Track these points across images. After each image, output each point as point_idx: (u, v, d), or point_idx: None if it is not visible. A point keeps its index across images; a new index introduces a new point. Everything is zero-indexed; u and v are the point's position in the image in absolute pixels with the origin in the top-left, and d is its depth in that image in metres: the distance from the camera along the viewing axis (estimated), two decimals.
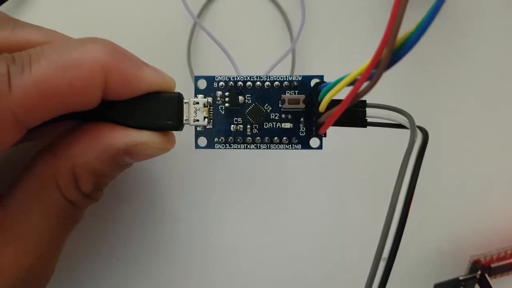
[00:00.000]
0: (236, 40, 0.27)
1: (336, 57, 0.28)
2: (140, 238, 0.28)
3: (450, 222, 0.29)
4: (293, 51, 0.27)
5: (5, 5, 0.26)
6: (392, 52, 0.16)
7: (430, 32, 0.27)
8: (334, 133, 0.22)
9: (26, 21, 0.25)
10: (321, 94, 0.19)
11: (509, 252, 0.29)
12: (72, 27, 0.26)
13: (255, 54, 0.28)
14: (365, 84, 0.16)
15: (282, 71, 0.27)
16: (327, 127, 0.19)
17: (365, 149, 0.28)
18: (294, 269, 0.29)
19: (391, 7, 0.14)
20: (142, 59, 0.21)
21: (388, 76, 0.27)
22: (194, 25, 0.27)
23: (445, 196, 0.29)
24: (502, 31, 0.29)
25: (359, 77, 0.16)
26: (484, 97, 0.29)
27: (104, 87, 0.19)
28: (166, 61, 0.27)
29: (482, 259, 0.29)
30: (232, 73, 0.26)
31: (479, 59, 0.29)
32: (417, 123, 0.27)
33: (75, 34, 0.26)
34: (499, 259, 0.29)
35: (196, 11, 0.27)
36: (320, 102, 0.19)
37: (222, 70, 0.26)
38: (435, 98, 0.28)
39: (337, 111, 0.17)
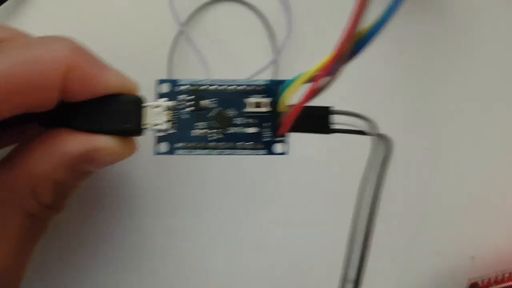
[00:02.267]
0: (220, 52, 0.27)
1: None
2: (111, 249, 0.27)
3: (448, 243, 0.29)
4: (276, 62, 0.27)
5: (5, 5, 0.26)
6: (354, 44, 0.15)
7: (430, 32, 0.29)
8: (305, 140, 0.22)
9: (26, 21, 0.26)
10: (280, 91, 0.19)
11: (506, 275, 0.28)
12: (72, 26, 0.27)
13: (239, 65, 0.28)
14: (325, 79, 0.16)
15: None
16: (287, 127, 0.18)
17: (338, 156, 0.28)
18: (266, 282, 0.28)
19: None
20: (124, 61, 0.21)
21: (387, 76, 0.28)
22: (179, 32, 0.27)
23: (443, 216, 0.29)
24: (502, 31, 0.29)
25: (318, 73, 0.16)
26: (484, 96, 0.29)
27: (63, 85, 0.18)
28: (147, 67, 0.27)
29: (480, 282, 0.28)
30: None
31: (479, 59, 0.29)
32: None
33: (75, 33, 0.26)
34: (497, 282, 0.28)
35: (182, 19, 0.27)
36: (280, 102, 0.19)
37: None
38: (435, 98, 0.29)
39: (295, 109, 0.17)
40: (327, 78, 0.16)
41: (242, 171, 0.28)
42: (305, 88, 0.17)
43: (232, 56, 0.28)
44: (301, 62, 0.28)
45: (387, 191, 0.28)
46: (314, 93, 0.16)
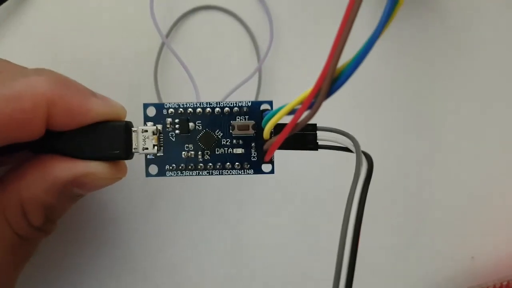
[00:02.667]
0: (203, 61, 0.27)
1: (303, 79, 0.28)
2: (104, 261, 0.27)
3: (448, 244, 0.29)
4: (259, 72, 0.27)
5: (5, 5, 0.26)
6: (332, 81, 0.15)
7: (430, 32, 0.28)
8: (290, 156, 0.22)
9: (26, 20, 0.27)
10: (263, 121, 0.19)
11: (504, 283, 0.28)
12: (72, 26, 0.27)
13: (222, 75, 0.28)
14: (306, 113, 0.16)
15: (249, 92, 0.27)
16: (271, 155, 0.19)
17: (326, 171, 0.28)
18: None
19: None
20: (109, 81, 0.20)
21: (387, 76, 0.28)
22: (162, 45, 0.27)
23: (443, 216, 0.29)
24: (502, 30, 0.29)
25: (299, 106, 0.16)
26: (484, 96, 0.29)
27: (47, 118, 0.19)
28: (133, 82, 0.27)
29: None
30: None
31: (479, 59, 0.29)
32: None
33: (74, 34, 0.27)
34: None
35: (164, 31, 0.27)
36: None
37: (190, 91, 0.26)
38: (435, 98, 0.28)
39: (278, 139, 0.17)
40: (306, 112, 0.16)
41: (235, 183, 0.28)
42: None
43: (216, 64, 0.28)
44: (284, 69, 0.28)
45: (387, 191, 0.28)
46: (294, 126, 0.16)
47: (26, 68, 0.20)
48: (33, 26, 0.27)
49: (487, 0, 0.28)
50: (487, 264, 0.29)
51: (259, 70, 0.27)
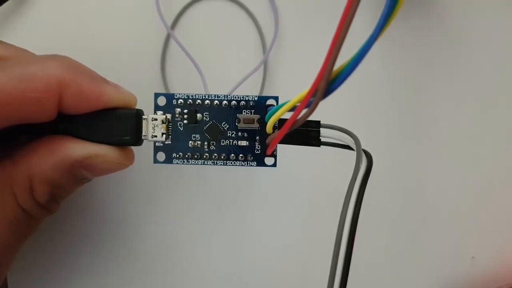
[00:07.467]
0: (209, 51, 0.28)
1: (308, 71, 0.28)
2: (98, 255, 0.28)
3: (448, 244, 0.29)
4: (265, 64, 0.28)
5: (5, 5, 0.27)
6: (328, 83, 0.16)
7: (429, 33, 0.29)
8: (292, 151, 0.23)
9: (26, 21, 0.27)
10: (266, 116, 0.20)
11: None
12: (73, 24, 0.28)
13: (228, 66, 0.28)
14: (305, 111, 0.17)
15: (253, 83, 0.28)
16: (272, 149, 0.19)
17: (327, 169, 0.28)
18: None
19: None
20: (117, 72, 0.22)
21: (387, 76, 0.28)
22: (168, 36, 0.28)
23: (443, 216, 0.29)
24: (501, 30, 0.29)
25: (298, 104, 0.17)
26: (484, 96, 0.29)
27: (58, 100, 0.19)
28: (140, 73, 0.28)
29: None
30: (202, 86, 0.26)
31: (479, 59, 0.29)
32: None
33: (76, 32, 0.27)
34: None
35: (169, 22, 0.27)
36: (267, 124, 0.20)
37: (196, 81, 0.27)
38: (436, 98, 0.29)
39: (278, 134, 0.18)
40: (305, 110, 0.17)
41: (237, 179, 0.28)
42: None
43: (221, 55, 0.28)
44: (289, 61, 0.28)
45: (388, 191, 0.28)
46: (293, 123, 0.17)
47: (42, 55, 0.21)
48: (33, 26, 0.27)
49: (486, 0, 0.28)
50: (487, 264, 0.29)
51: (264, 62, 0.27)
